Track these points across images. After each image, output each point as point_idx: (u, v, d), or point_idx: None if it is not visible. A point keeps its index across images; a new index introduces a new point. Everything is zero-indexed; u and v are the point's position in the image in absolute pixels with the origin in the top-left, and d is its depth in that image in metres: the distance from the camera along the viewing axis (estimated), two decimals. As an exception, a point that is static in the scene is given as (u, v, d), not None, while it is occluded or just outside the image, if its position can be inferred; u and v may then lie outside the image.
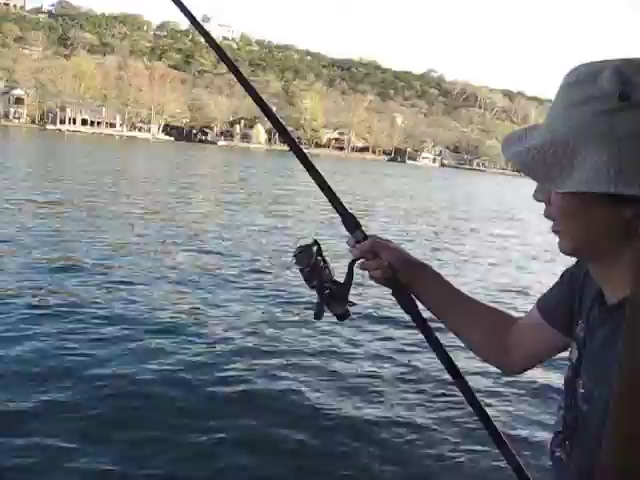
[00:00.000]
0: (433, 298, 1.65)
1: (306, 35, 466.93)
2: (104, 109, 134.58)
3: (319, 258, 1.59)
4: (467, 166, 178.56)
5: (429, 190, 55.72)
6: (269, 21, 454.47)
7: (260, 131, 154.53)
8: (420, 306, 1.65)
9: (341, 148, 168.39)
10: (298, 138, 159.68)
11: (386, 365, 8.39)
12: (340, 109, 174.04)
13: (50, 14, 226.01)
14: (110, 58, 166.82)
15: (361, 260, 1.61)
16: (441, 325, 1.62)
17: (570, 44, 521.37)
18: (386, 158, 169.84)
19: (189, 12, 1.87)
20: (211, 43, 1.86)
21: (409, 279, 1.63)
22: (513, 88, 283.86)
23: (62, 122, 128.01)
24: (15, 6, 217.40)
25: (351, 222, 1.63)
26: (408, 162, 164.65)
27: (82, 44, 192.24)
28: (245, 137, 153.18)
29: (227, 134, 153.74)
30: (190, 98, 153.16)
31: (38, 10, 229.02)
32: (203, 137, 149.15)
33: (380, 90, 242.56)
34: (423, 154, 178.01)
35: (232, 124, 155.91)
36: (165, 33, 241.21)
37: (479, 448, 5.98)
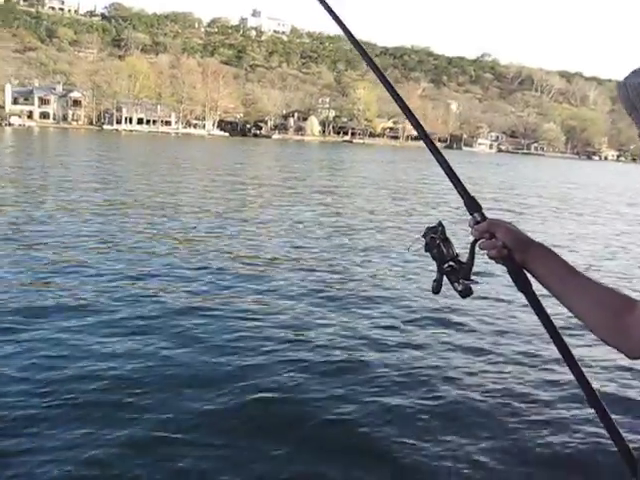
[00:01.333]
0: (549, 276, 1.66)
1: (357, 24, 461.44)
2: (159, 107, 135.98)
3: (443, 238, 1.69)
4: (524, 150, 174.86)
5: (490, 175, 54.61)
6: (319, 12, 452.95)
7: (314, 123, 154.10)
8: (538, 287, 1.69)
9: (396, 137, 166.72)
10: (352, 129, 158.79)
11: (503, 342, 8.80)
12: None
13: (103, 16, 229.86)
14: (163, 57, 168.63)
15: (481, 240, 1.68)
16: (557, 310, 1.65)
17: (629, 22, 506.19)
18: (442, 145, 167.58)
19: (337, 17, 2.04)
20: (359, 49, 1.97)
21: (524, 258, 1.67)
22: (570, 69, 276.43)
23: (119, 122, 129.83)
24: (70, 10, 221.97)
25: (472, 204, 1.73)
26: (464, 149, 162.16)
27: (135, 44, 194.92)
28: (299, 129, 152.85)
29: (281, 127, 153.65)
30: (243, 93, 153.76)
31: (92, 13, 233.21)
32: (257, 131, 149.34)
33: (433, 77, 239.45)
34: (479, 140, 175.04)
35: (286, 117, 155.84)
36: (216, 29, 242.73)
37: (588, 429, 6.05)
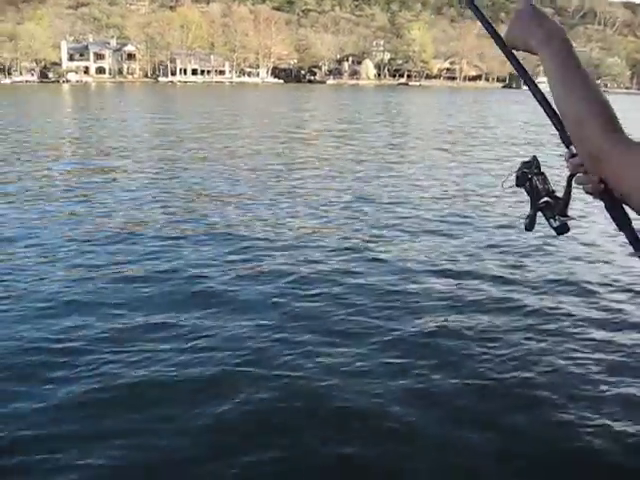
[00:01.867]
0: None
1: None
2: (212, 57, 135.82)
3: (536, 172, 1.63)
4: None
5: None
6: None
7: (369, 66, 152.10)
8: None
9: (453, 78, 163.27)
10: (408, 71, 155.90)
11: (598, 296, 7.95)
12: (449, 38, 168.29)
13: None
14: (214, 5, 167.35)
15: (577, 175, 1.59)
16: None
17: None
18: (500, 85, 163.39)
19: None
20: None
21: (624, 184, 1.43)
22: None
23: (173, 73, 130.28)
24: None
25: (567, 137, 1.62)
26: (523, 88, 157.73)
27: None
28: (354, 74, 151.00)
29: (335, 72, 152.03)
30: (296, 39, 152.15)
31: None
32: (312, 77, 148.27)
33: (490, 14, 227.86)
34: (539, 78, 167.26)
35: (340, 62, 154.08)
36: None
37: None
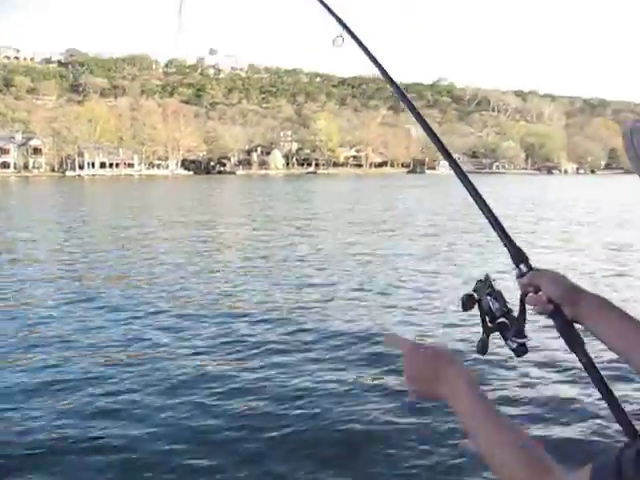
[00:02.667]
0: (607, 332, 1.50)
1: (313, 57, 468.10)
2: (121, 150, 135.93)
3: (489, 292, 1.57)
4: (487, 170, 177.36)
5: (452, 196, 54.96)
6: (275, 48, 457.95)
7: (277, 156, 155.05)
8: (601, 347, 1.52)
9: (359, 165, 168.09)
10: (315, 160, 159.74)
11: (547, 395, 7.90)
12: (354, 127, 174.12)
13: (60, 63, 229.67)
14: (122, 100, 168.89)
15: (528, 294, 1.59)
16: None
17: (579, 38, 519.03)
18: (405, 171, 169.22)
19: (370, 53, 2.09)
20: (397, 91, 2.00)
21: (575, 313, 1.54)
22: (525, 87, 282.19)
23: (81, 167, 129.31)
24: (25, 58, 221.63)
25: (517, 255, 1.63)
26: (427, 172, 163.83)
27: (93, 89, 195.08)
28: (263, 164, 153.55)
29: (245, 163, 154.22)
30: (205, 131, 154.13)
31: (48, 60, 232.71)
32: (221, 168, 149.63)
33: (392, 104, 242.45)
34: (442, 162, 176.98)
35: (249, 152, 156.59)
36: (174, 70, 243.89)
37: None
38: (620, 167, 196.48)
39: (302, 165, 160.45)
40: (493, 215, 1.69)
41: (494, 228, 1.69)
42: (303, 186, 77.46)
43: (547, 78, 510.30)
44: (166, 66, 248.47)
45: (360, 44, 2.11)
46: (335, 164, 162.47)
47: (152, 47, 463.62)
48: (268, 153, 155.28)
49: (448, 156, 1.94)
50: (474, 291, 1.58)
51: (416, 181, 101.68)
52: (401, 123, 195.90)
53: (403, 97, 1.97)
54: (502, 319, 1.54)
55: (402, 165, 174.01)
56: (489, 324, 1.55)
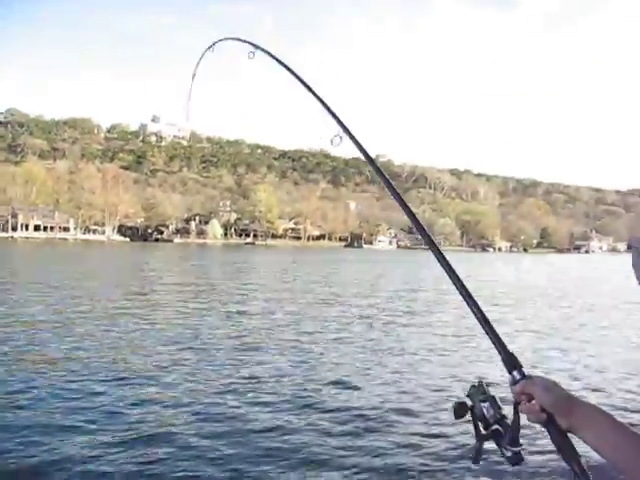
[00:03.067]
0: (602, 445, 1.45)
1: (256, 129, 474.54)
2: (56, 213, 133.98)
3: (483, 399, 1.54)
4: (423, 246, 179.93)
5: (391, 271, 55.64)
6: (218, 117, 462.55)
7: (215, 226, 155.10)
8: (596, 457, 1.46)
9: (298, 237, 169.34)
10: (254, 231, 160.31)
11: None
12: (294, 199, 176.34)
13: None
14: (61, 163, 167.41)
15: (521, 403, 1.55)
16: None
17: (511, 119, 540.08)
18: (343, 244, 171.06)
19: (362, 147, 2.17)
20: (378, 172, 2.07)
21: (569, 423, 1.49)
22: (460, 166, 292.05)
23: (14, 229, 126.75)
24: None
25: (509, 362, 1.60)
26: (365, 247, 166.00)
27: (32, 150, 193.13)
28: (201, 233, 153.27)
29: (183, 231, 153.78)
30: (144, 197, 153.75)
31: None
32: (159, 235, 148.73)
33: (331, 178, 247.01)
34: (379, 237, 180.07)
35: (187, 221, 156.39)
36: (116, 135, 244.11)
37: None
38: (552, 246, 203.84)
39: (240, 236, 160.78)
40: (484, 317, 1.67)
41: (486, 331, 1.66)
42: (241, 257, 77.46)
43: (481, 158, 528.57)
44: (108, 131, 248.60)
45: (357, 143, 2.17)
46: (274, 236, 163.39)
47: (95, 111, 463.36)
48: (207, 222, 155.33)
49: (430, 242, 1.93)
50: (467, 396, 1.55)
51: (353, 255, 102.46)
52: (340, 197, 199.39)
53: (392, 190, 1.99)
54: (496, 426, 1.50)
55: (340, 239, 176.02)
56: (483, 431, 1.51)
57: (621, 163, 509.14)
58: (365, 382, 11.86)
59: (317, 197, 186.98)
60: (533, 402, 1.52)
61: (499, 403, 1.53)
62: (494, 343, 1.63)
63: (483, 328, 1.66)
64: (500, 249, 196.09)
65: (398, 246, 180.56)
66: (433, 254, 1.86)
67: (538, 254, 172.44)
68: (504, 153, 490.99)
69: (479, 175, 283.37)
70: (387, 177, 2.05)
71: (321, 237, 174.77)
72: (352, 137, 2.20)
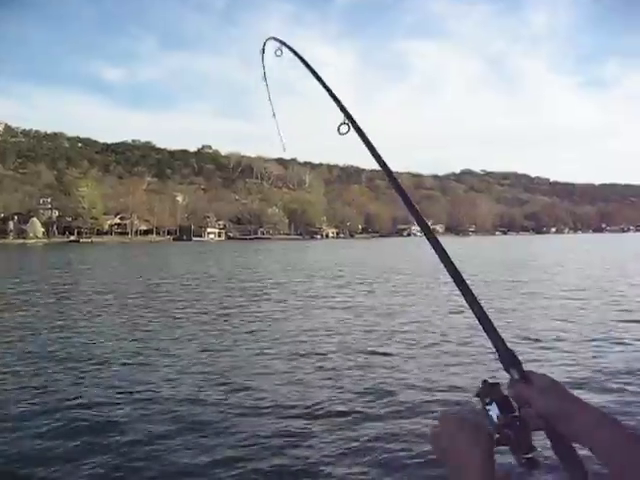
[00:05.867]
0: (609, 457, 1.25)
1: (76, 122, 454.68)
2: None
3: (488, 402, 1.40)
4: (252, 236, 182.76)
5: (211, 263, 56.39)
6: (34, 109, 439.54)
7: (36, 225, 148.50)
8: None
9: (124, 233, 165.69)
10: (78, 228, 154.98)
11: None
12: (119, 194, 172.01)
13: None
14: None
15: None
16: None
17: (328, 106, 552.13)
18: (171, 238, 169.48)
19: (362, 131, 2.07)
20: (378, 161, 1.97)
21: (571, 430, 1.32)
22: (286, 156, 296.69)
23: None
24: None
25: (506, 359, 1.46)
26: (194, 239, 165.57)
27: None
28: (21, 233, 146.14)
29: (0, 231, 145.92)
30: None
31: None
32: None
33: (157, 171, 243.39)
34: (208, 229, 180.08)
35: (4, 221, 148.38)
36: None
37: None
38: (376, 231, 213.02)
39: (63, 234, 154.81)
40: (481, 309, 1.54)
41: (482, 324, 1.52)
42: (71, 256, 75.32)
43: (306, 147, 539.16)
44: None
45: (362, 135, 2.10)
46: (99, 232, 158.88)
47: None
48: (26, 221, 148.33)
49: (428, 231, 1.80)
50: (477, 396, 1.43)
51: (182, 248, 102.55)
52: (167, 190, 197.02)
53: (398, 188, 1.91)
54: (505, 430, 1.36)
55: (168, 232, 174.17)
56: (494, 435, 1.35)
57: (439, 150, 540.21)
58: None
59: (143, 191, 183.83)
60: (528, 407, 1.38)
61: (511, 402, 1.40)
62: (491, 338, 1.50)
63: (477, 318, 1.53)
64: (327, 235, 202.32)
65: (228, 237, 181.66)
66: (430, 243, 1.74)
67: (364, 239, 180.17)
68: (329, 142, 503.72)
69: (305, 164, 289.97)
70: (389, 169, 1.97)
71: (149, 232, 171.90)
72: (358, 129, 2.13)
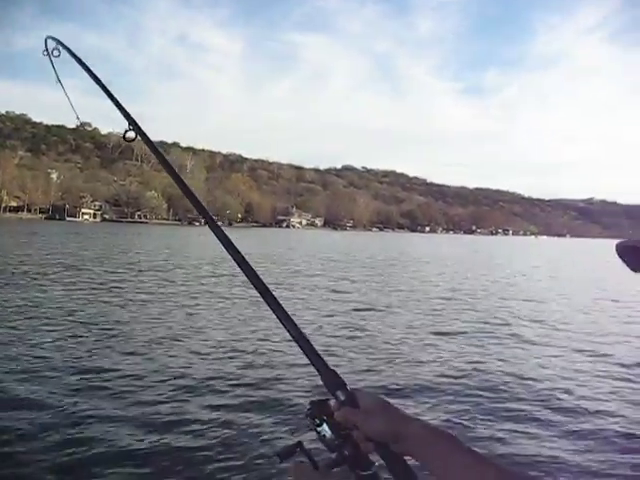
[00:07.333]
0: (437, 467, 1.23)
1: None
2: None
3: (322, 420, 1.32)
4: (129, 219, 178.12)
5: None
6: None
7: None
8: None
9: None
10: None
11: None
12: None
13: None
14: None
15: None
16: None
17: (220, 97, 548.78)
18: (43, 216, 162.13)
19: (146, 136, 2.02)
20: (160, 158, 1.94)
21: (403, 448, 1.27)
22: (168, 139, 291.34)
23: None
24: None
25: (331, 381, 1.36)
26: (68, 219, 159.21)
27: None
28: None
29: None
30: None
31: None
32: None
33: (31, 146, 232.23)
34: (83, 210, 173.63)
35: None
36: None
37: None
38: (256, 220, 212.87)
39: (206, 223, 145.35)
40: (295, 326, 1.42)
41: (299, 345, 1.40)
42: None
43: (189, 132, 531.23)
44: None
45: (148, 142, 2.01)
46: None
47: None
48: None
49: (210, 220, 1.74)
50: (306, 417, 1.34)
51: (54, 228, 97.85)
52: (41, 167, 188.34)
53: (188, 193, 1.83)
54: (342, 449, 1.30)
55: (40, 211, 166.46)
56: (332, 455, 1.29)
57: (322, 143, 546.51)
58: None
59: (14, 165, 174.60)
60: (357, 430, 1.30)
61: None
62: (309, 358, 1.39)
63: (293, 338, 1.41)
64: (206, 223, 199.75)
65: (103, 219, 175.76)
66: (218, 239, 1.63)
67: (243, 228, 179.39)
68: (211, 128, 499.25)
69: (187, 149, 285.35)
70: (179, 176, 1.89)
71: (20, 209, 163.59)
72: (144, 135, 2.03)
